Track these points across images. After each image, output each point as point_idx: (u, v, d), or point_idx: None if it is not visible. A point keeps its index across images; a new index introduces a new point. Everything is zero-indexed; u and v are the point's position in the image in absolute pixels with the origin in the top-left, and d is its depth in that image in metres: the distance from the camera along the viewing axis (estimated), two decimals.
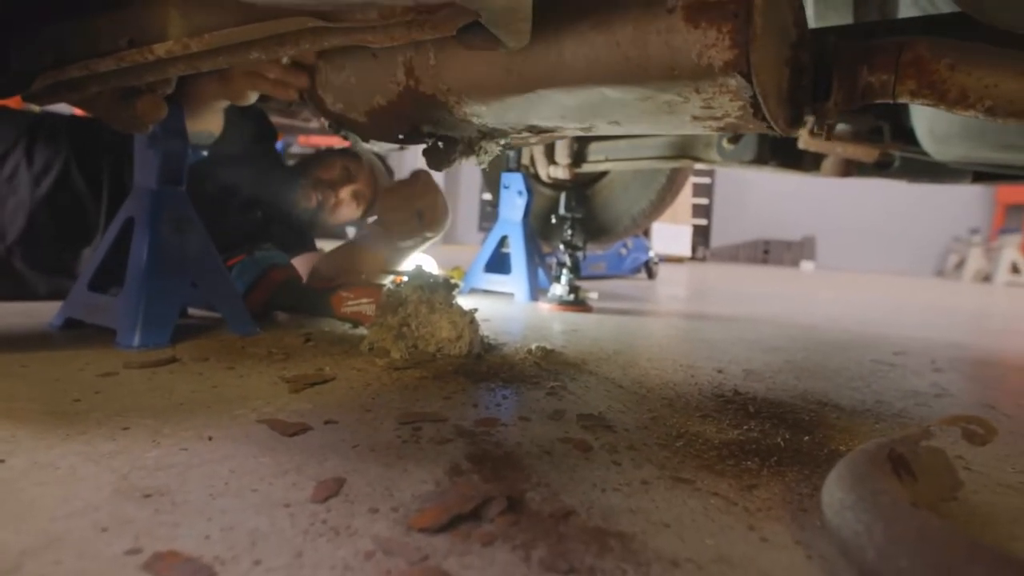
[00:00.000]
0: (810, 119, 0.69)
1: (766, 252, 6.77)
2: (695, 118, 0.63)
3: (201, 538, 0.37)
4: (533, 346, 1.00)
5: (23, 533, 0.36)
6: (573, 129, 0.76)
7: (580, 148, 1.94)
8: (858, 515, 0.35)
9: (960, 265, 5.67)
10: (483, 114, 0.75)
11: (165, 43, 0.69)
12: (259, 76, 0.96)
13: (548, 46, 0.62)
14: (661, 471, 0.53)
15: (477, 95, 0.71)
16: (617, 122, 0.70)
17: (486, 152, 0.94)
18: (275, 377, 0.76)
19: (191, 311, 1.16)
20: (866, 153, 1.30)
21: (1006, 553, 0.32)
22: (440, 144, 0.94)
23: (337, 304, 1.13)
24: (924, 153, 1.27)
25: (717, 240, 6.86)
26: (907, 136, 1.29)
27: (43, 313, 1.06)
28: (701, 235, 6.40)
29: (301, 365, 0.83)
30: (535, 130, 0.80)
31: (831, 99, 0.65)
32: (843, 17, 1.06)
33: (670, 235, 5.37)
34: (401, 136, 0.90)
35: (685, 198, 5.66)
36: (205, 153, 1.07)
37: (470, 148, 0.91)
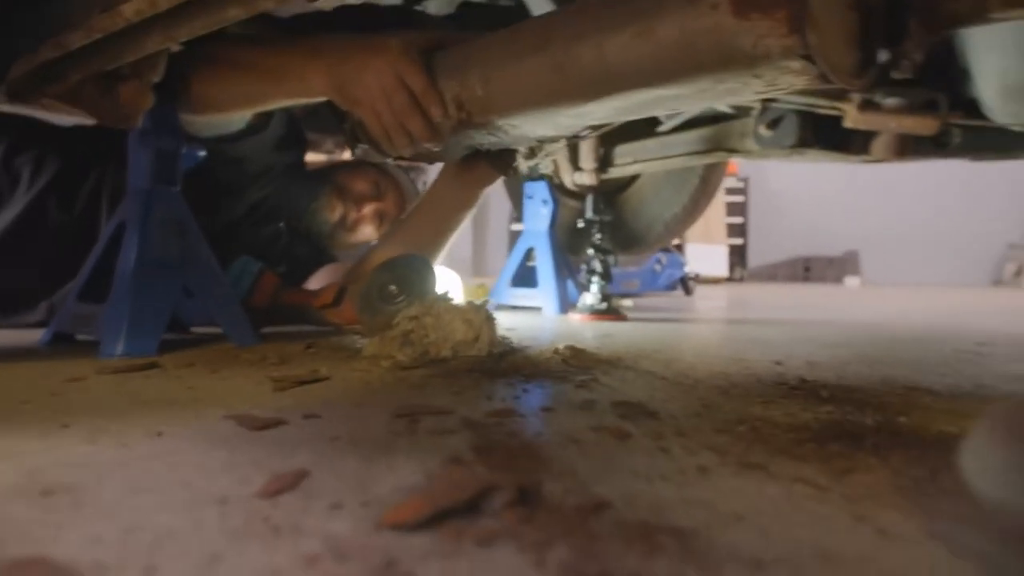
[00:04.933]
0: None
1: (807, 270, 6.50)
2: (759, 92, 0.59)
3: (87, 541, 0.27)
4: (560, 345, 0.89)
5: None
6: (631, 118, 0.75)
7: (606, 152, 1.84)
8: None
9: (1019, 273, 5.34)
10: (536, 129, 0.78)
11: (132, 2, 0.62)
12: (398, 82, 0.76)
13: (591, 64, 0.61)
14: (722, 457, 0.41)
15: (528, 117, 0.72)
16: (676, 109, 0.68)
17: (546, 153, 0.95)
18: (262, 378, 0.67)
19: (194, 329, 1.08)
20: (925, 125, 1.16)
21: None
22: (503, 153, 0.97)
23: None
24: (989, 122, 1.14)
25: (754, 260, 6.62)
26: (968, 107, 1.15)
27: (37, 332, 0.99)
28: (738, 255, 6.18)
29: (296, 368, 0.73)
30: (592, 128, 0.80)
31: (908, 41, 0.55)
32: None
33: (705, 255, 5.19)
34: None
35: (719, 216, 5.48)
36: (203, 153, 1.00)
37: (531, 152, 0.96)
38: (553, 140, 0.88)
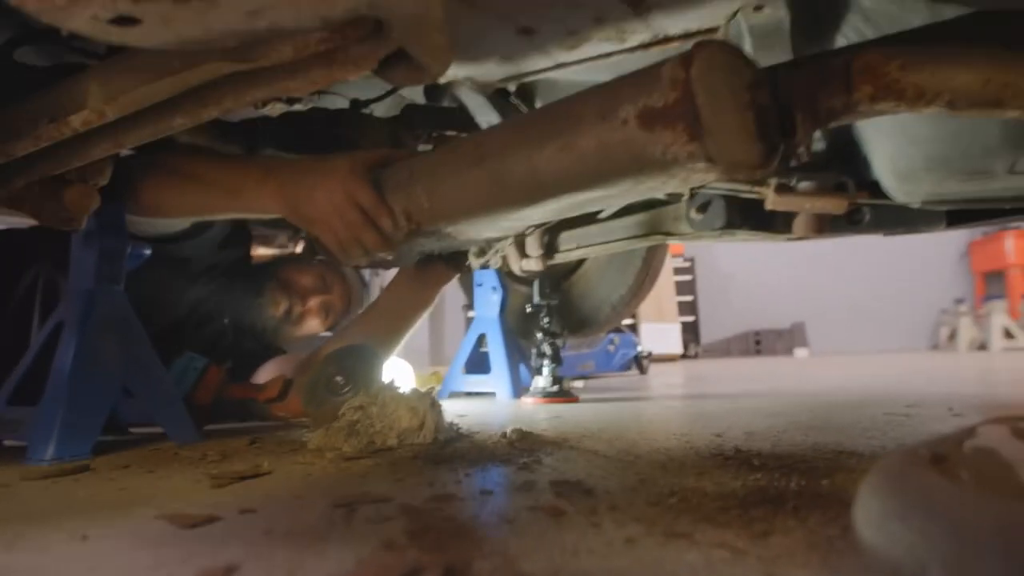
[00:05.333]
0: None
1: (758, 343, 6.69)
2: (677, 187, 0.68)
3: None
4: (508, 430, 0.90)
5: None
6: (568, 216, 0.84)
7: (551, 239, 1.92)
8: (908, 522, 0.25)
9: (953, 336, 5.61)
10: (482, 233, 0.85)
11: (80, 113, 0.65)
12: (348, 200, 0.80)
13: (524, 175, 0.67)
14: (650, 528, 0.42)
15: (472, 223, 0.78)
16: (607, 206, 0.76)
17: (496, 251, 1.00)
18: (200, 475, 0.65)
19: (133, 429, 1.05)
20: (835, 204, 1.27)
21: None
22: (456, 253, 1.05)
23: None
24: (891, 201, 1.25)
25: (707, 336, 6.79)
26: (873, 189, 1.27)
27: None
28: (691, 332, 6.33)
29: (237, 464, 0.72)
30: (535, 227, 0.92)
31: (797, 133, 0.63)
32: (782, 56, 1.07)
33: (659, 334, 5.29)
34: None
35: (670, 295, 5.65)
36: (148, 251, 1.00)
37: (481, 251, 1.05)
38: (500, 239, 0.94)
